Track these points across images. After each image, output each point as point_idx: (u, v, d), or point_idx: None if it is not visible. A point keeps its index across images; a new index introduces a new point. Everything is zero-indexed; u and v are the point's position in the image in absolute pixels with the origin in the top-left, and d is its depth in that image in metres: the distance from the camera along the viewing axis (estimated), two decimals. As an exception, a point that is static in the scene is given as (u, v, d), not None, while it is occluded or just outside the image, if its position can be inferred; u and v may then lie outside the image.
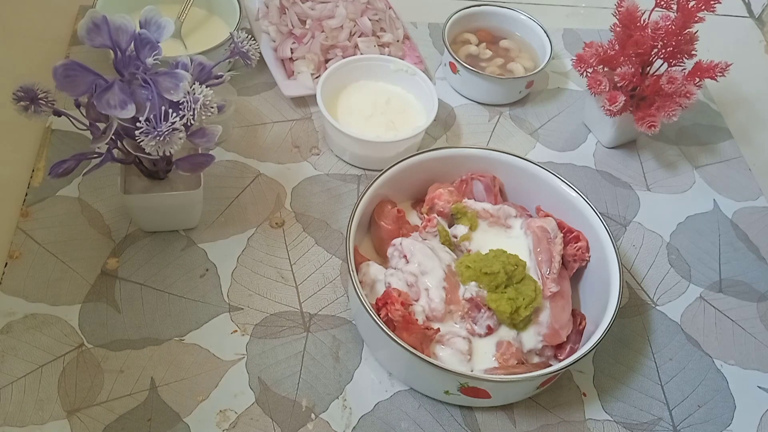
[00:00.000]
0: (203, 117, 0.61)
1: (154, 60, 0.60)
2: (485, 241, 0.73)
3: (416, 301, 0.66)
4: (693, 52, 0.82)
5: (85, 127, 0.62)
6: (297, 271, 0.75)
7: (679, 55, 0.82)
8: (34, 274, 0.70)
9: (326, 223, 0.79)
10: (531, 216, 0.76)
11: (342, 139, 0.82)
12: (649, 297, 0.79)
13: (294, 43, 0.92)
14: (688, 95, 0.81)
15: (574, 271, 0.72)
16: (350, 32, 0.94)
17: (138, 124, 0.58)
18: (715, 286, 0.81)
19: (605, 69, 0.86)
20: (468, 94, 0.96)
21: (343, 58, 0.90)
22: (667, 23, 0.80)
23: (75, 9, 0.96)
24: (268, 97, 0.91)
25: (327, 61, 0.92)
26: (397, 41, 0.96)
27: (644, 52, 0.82)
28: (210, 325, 0.70)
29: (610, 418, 0.69)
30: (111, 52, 0.60)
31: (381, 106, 0.87)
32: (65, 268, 0.71)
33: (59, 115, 0.62)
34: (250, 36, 0.69)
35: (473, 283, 0.67)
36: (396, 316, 0.63)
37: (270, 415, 0.65)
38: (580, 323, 0.70)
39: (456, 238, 0.72)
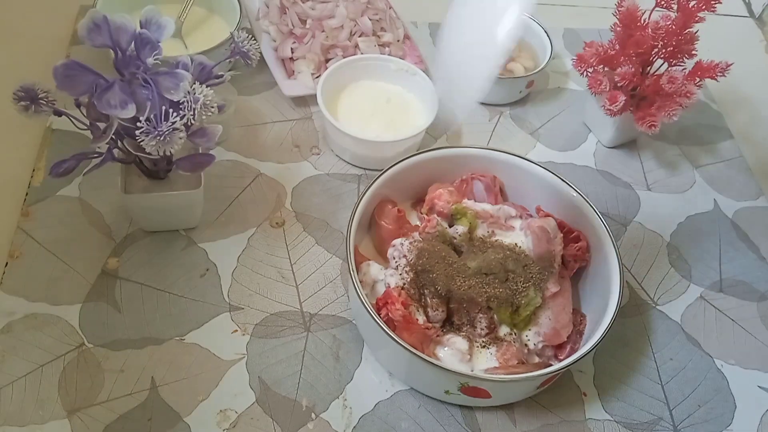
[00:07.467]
0: (203, 117, 0.61)
1: (155, 60, 0.60)
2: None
3: (416, 300, 0.66)
4: (693, 52, 0.82)
5: (85, 127, 0.62)
6: (297, 271, 0.75)
7: (679, 55, 0.82)
8: (34, 274, 0.70)
9: (326, 223, 0.79)
10: (531, 216, 0.76)
11: (342, 138, 0.82)
12: (649, 297, 0.79)
13: (294, 42, 0.92)
14: (688, 95, 0.81)
15: (574, 271, 0.72)
16: (350, 32, 0.94)
17: (138, 124, 0.58)
18: (716, 285, 0.81)
19: (605, 69, 0.86)
20: (468, 94, 0.96)
21: (344, 57, 0.90)
22: (668, 23, 0.80)
23: (75, 9, 0.96)
24: (268, 96, 0.91)
25: (327, 60, 0.92)
26: (398, 41, 0.96)
27: (644, 52, 0.82)
28: (210, 324, 0.70)
29: (611, 418, 0.69)
30: (111, 51, 0.60)
31: (381, 106, 0.87)
32: (66, 268, 0.71)
33: (59, 115, 0.62)
34: (250, 36, 0.69)
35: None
36: (396, 316, 0.63)
37: (270, 415, 0.65)
38: (580, 323, 0.70)
39: (456, 238, 0.72)
